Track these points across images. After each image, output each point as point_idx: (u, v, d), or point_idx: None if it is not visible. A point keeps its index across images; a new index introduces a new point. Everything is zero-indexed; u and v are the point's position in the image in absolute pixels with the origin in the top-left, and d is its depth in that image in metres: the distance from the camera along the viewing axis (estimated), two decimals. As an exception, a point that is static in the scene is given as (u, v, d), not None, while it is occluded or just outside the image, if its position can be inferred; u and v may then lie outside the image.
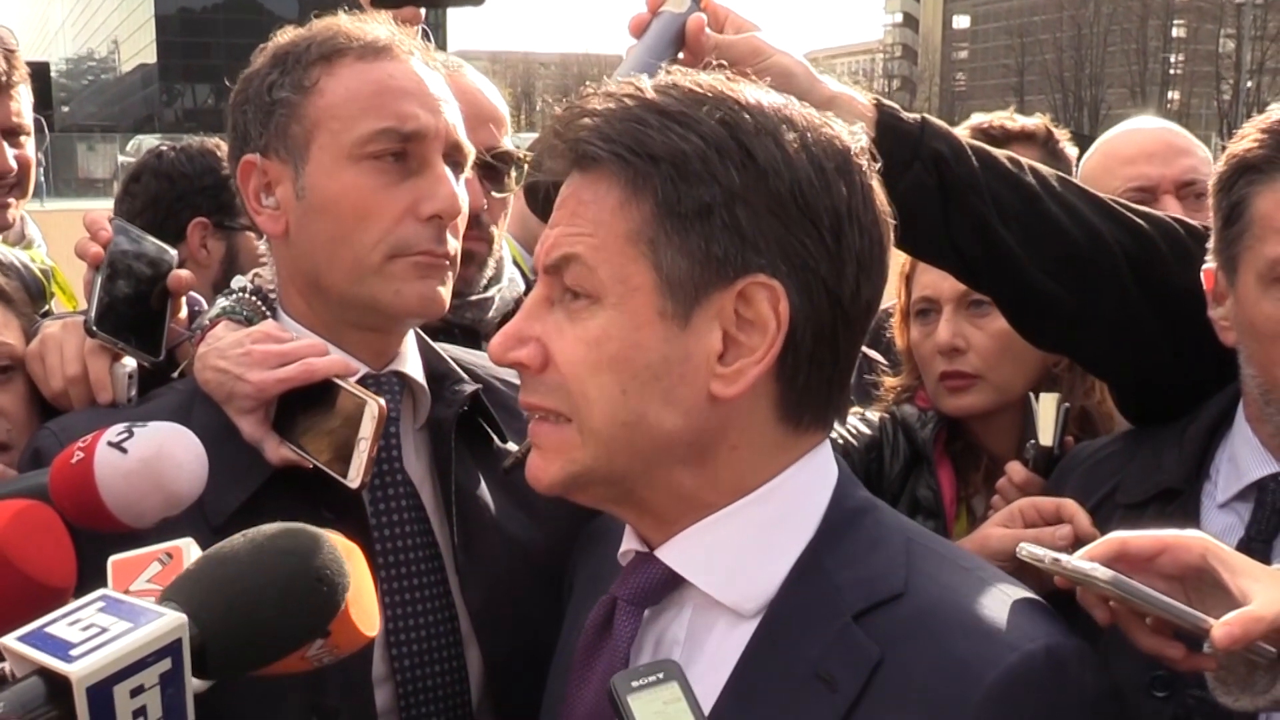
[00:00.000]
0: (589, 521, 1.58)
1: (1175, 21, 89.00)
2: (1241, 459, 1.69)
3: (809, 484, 1.30)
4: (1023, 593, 1.27)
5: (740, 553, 1.26)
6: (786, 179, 1.19)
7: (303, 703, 1.51)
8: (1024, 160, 1.74)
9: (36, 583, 1.24)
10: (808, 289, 1.20)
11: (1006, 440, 2.24)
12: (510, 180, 2.22)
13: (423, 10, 2.21)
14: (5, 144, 2.70)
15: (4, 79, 2.69)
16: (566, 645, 1.48)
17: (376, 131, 1.59)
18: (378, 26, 1.68)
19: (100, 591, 1.02)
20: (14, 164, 2.72)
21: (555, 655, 1.50)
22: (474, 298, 2.23)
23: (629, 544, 1.35)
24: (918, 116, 1.71)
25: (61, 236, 3.25)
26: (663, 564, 1.29)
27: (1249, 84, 72.61)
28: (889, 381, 2.43)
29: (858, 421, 2.34)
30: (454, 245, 1.65)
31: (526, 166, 2.22)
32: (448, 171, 1.63)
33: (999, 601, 1.22)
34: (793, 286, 1.20)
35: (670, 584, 1.29)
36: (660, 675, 1.09)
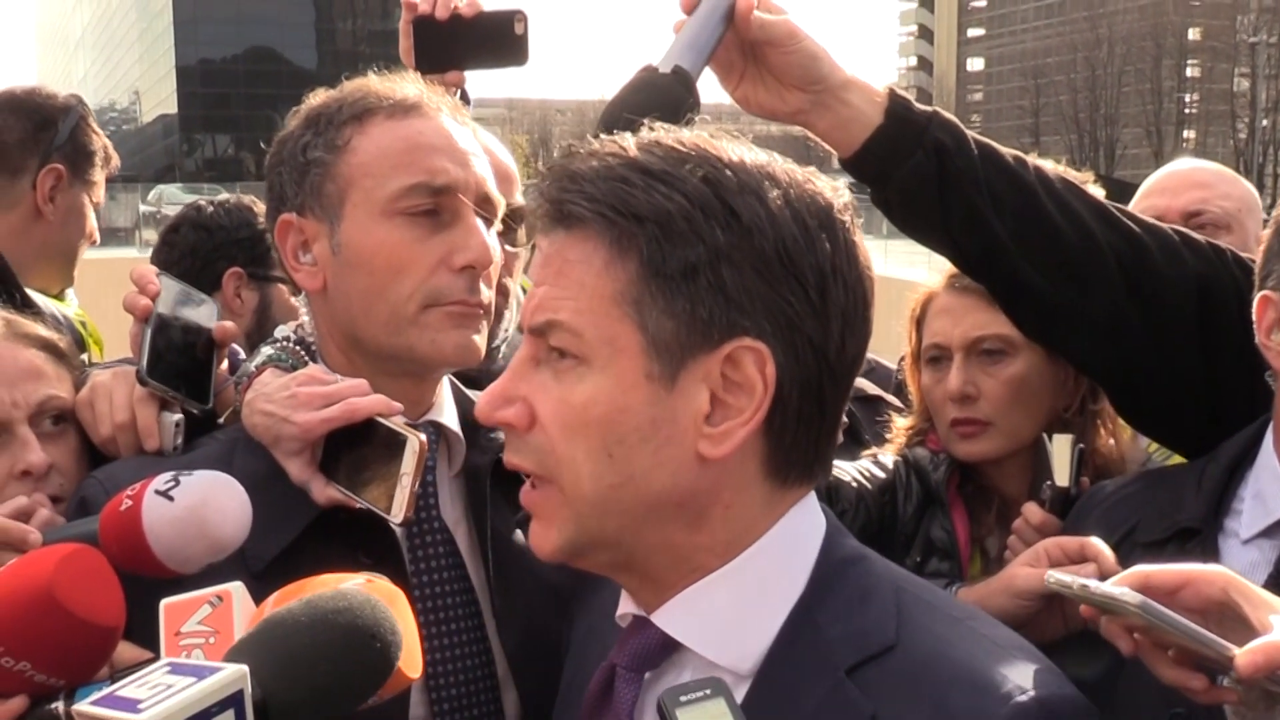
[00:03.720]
0: None
1: (1189, 61, 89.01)
2: (1269, 495, 1.69)
3: (798, 537, 1.29)
4: (1016, 643, 1.26)
5: (734, 613, 1.25)
6: (771, 237, 1.19)
7: None
8: (1030, 159, 1.81)
9: (85, 622, 1.28)
10: (794, 348, 1.20)
11: (1018, 482, 2.27)
12: (522, 235, 2.27)
13: (465, 73, 2.27)
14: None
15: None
16: (564, 701, 1.49)
17: (408, 187, 1.64)
18: (407, 85, 1.73)
19: (166, 658, 1.08)
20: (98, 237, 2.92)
21: (555, 708, 1.52)
22: None
23: (625, 607, 1.34)
24: (931, 109, 1.76)
25: (83, 285, 3.35)
26: (658, 629, 1.28)
27: (1264, 122, 72.47)
28: (900, 424, 2.47)
29: (871, 464, 2.37)
30: (487, 295, 1.69)
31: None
32: (479, 223, 1.67)
33: (991, 653, 1.21)
34: (779, 346, 1.19)
35: (668, 648, 1.28)
36: (708, 691, 1.10)
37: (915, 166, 1.71)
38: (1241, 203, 2.96)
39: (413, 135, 1.67)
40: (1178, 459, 2.22)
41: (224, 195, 3.32)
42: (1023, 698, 1.15)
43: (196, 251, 3.08)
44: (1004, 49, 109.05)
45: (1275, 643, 1.23)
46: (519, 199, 2.28)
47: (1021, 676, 1.18)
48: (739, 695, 1.22)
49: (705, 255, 1.18)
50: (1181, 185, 2.94)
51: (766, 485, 1.26)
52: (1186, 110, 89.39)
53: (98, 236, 3.10)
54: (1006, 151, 1.79)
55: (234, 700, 0.98)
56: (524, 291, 2.44)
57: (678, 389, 1.20)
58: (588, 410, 1.21)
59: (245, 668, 1.00)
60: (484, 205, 1.70)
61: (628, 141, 1.24)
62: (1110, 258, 1.76)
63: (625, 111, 1.59)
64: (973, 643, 1.23)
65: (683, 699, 1.09)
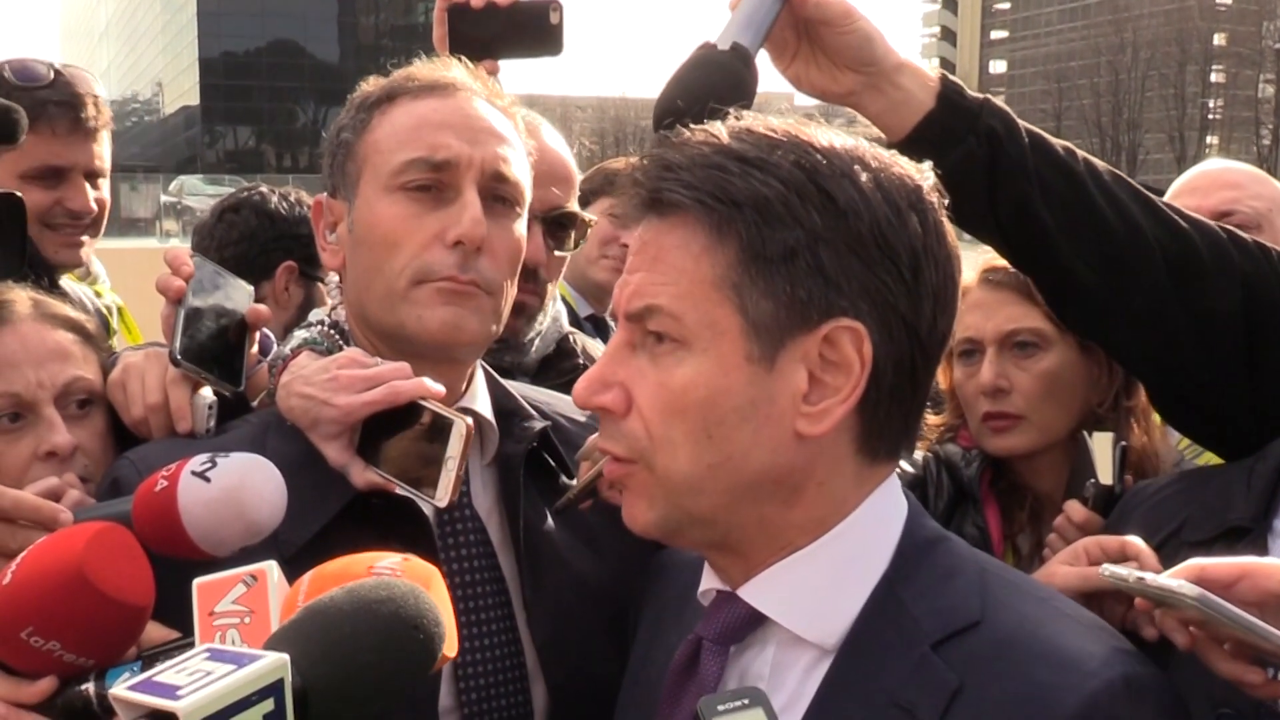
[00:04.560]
0: (651, 556, 1.60)
1: (1214, 67, 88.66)
2: None
3: (883, 517, 1.31)
4: (1099, 623, 1.29)
5: (820, 588, 1.28)
6: (866, 219, 1.21)
7: None
8: (1079, 151, 1.79)
9: (115, 601, 1.28)
10: (888, 327, 1.23)
11: (1051, 479, 2.26)
12: (570, 240, 2.26)
13: (499, 62, 2.27)
14: (87, 185, 2.81)
15: (93, 123, 2.81)
16: (636, 681, 1.50)
17: (407, 162, 1.63)
18: (451, 69, 1.73)
19: (205, 644, 1.07)
20: (94, 205, 2.83)
21: (623, 689, 1.52)
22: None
23: (709, 583, 1.36)
24: (983, 96, 1.76)
25: (105, 273, 3.37)
26: (746, 603, 1.30)
27: (1288, 129, 72.13)
28: (931, 420, 2.46)
29: (900, 460, 2.36)
30: (487, 274, 1.65)
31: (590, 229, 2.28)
32: (476, 199, 1.63)
33: (1076, 630, 1.24)
34: (874, 326, 1.22)
35: (754, 622, 1.31)
36: (746, 701, 1.11)
37: (966, 153, 1.70)
38: (1272, 203, 2.96)
39: (426, 113, 1.67)
40: (1208, 457, 2.21)
41: (287, 188, 3.29)
42: (1110, 674, 1.16)
43: (255, 237, 3.08)
44: (1027, 52, 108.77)
45: None
46: (574, 206, 2.27)
47: (1107, 653, 1.20)
48: (823, 670, 1.26)
49: (803, 238, 1.20)
50: (1213, 185, 2.94)
51: (857, 461, 1.28)
52: (1210, 116, 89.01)
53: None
54: (1056, 142, 1.78)
55: (274, 689, 0.97)
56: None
57: (777, 369, 1.22)
58: (688, 393, 1.23)
59: (286, 656, 0.98)
60: (497, 185, 1.67)
61: (719, 129, 1.26)
62: (1156, 252, 1.75)
63: (686, 89, 1.59)
64: (1058, 621, 1.25)
65: (720, 707, 1.11)
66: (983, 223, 1.77)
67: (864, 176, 1.23)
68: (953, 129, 1.70)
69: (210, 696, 0.94)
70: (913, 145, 1.73)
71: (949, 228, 1.30)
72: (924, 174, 1.30)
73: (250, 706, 0.96)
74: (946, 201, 1.30)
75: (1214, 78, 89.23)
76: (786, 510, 1.27)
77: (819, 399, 1.23)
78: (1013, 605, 1.26)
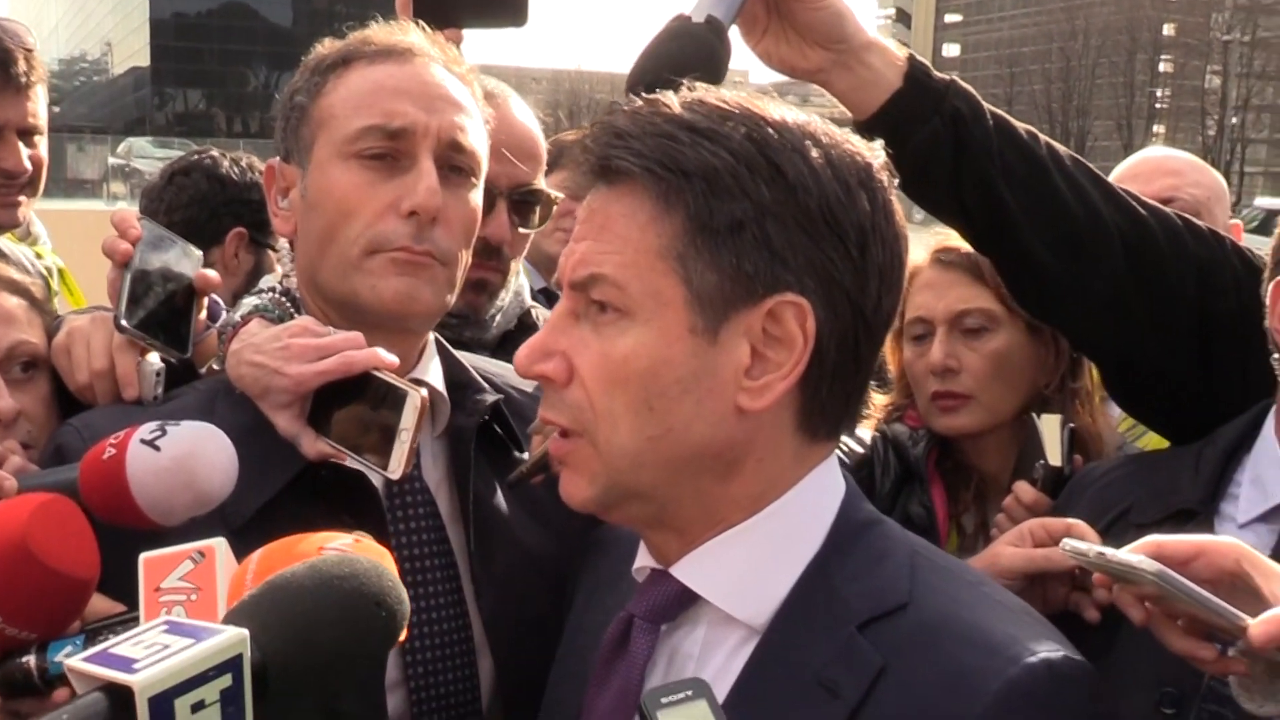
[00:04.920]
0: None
1: (1163, 57, 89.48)
2: (1269, 480, 1.70)
3: (820, 496, 1.31)
4: (1025, 608, 1.29)
5: (752, 567, 1.28)
6: (815, 194, 1.21)
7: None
8: (1042, 136, 1.82)
9: (60, 574, 1.26)
10: (833, 303, 1.23)
11: (997, 459, 2.29)
12: (536, 217, 2.24)
13: (463, 31, 2.24)
14: (20, 144, 2.74)
15: (24, 79, 2.73)
16: (569, 652, 1.50)
17: (362, 129, 1.61)
18: (410, 33, 1.71)
19: (164, 617, 1.05)
20: (29, 164, 2.76)
21: (556, 661, 1.52)
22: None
23: (643, 560, 1.36)
24: (949, 77, 1.77)
25: (50, 235, 3.31)
26: (678, 581, 1.30)
27: (1234, 120, 73.11)
28: (878, 400, 2.48)
29: (848, 438, 2.38)
30: (442, 244, 1.63)
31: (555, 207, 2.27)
32: (431, 169, 1.61)
33: (1003, 616, 1.24)
34: (819, 302, 1.22)
35: (685, 601, 1.30)
36: (689, 693, 1.09)
37: (931, 133, 1.71)
38: (1210, 191, 3.03)
39: (381, 79, 1.64)
40: (1150, 439, 2.26)
41: (238, 153, 3.24)
42: (1032, 659, 1.16)
43: (206, 201, 3.03)
44: (980, 36, 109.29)
45: None
46: (540, 182, 2.25)
47: (1032, 639, 1.20)
48: (749, 649, 1.26)
49: (751, 211, 1.19)
50: (1154, 172, 3.00)
51: (797, 438, 1.28)
52: (1157, 105, 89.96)
53: None
54: (1020, 126, 1.79)
55: (232, 664, 0.96)
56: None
57: (720, 342, 1.22)
58: (629, 363, 1.22)
59: (245, 631, 0.97)
60: (454, 154, 1.65)
61: (671, 99, 1.25)
62: (1115, 236, 1.77)
63: (659, 60, 1.59)
64: (985, 606, 1.26)
65: (664, 700, 1.09)
66: (946, 204, 1.78)
67: (815, 152, 1.23)
68: (919, 109, 1.71)
69: (167, 670, 0.93)
70: (879, 124, 1.74)
71: (898, 207, 1.29)
72: (874, 152, 1.29)
73: (208, 681, 0.95)
74: (896, 181, 1.30)
75: (1162, 67, 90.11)
76: (724, 485, 1.27)
77: (761, 374, 1.23)
78: (942, 589, 1.26)
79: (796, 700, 1.21)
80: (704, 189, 1.20)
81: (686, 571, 1.29)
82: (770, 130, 1.23)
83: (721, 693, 1.22)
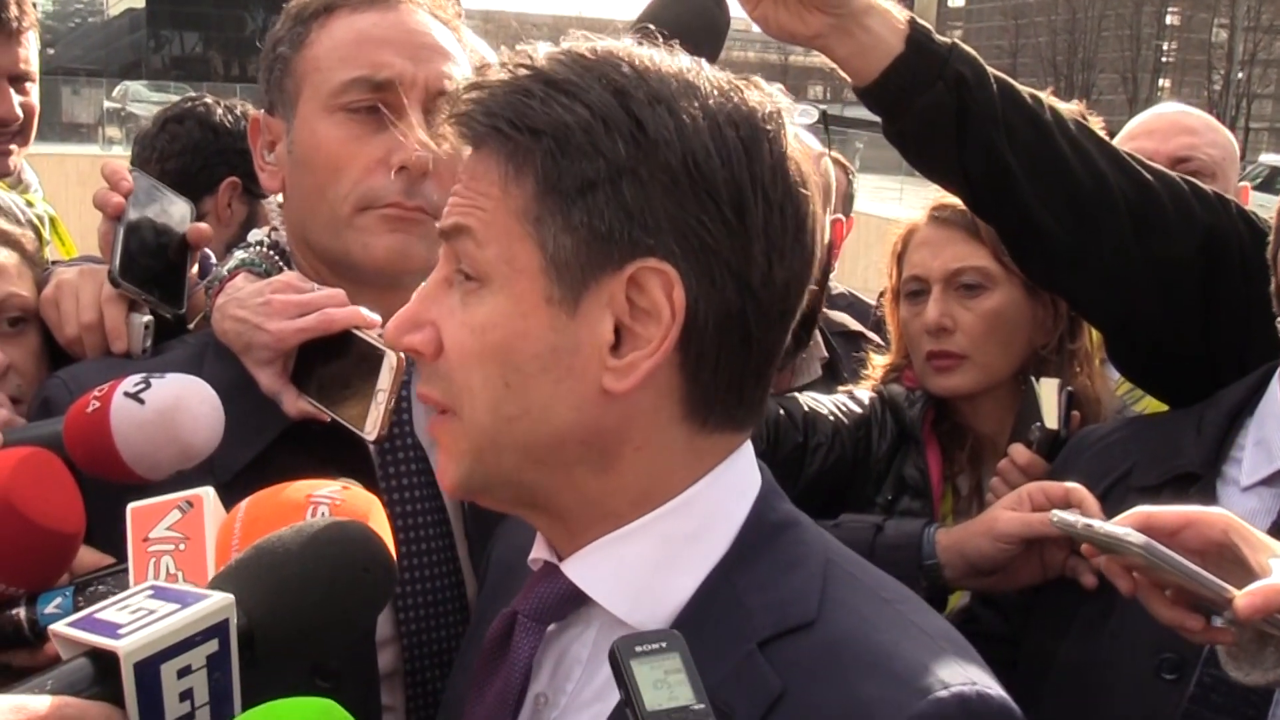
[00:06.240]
0: None
1: (1170, 9, 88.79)
2: (1274, 442, 1.68)
3: (726, 495, 1.20)
4: (945, 633, 1.17)
5: (649, 570, 1.17)
6: (679, 150, 1.09)
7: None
8: (1045, 99, 1.79)
9: (44, 529, 1.26)
10: (709, 272, 1.11)
11: (992, 421, 2.27)
12: None
13: None
14: (12, 90, 2.71)
15: (15, 24, 2.69)
16: (469, 642, 1.44)
17: (348, 81, 1.58)
18: None
19: (150, 581, 1.04)
20: (20, 111, 2.73)
21: (459, 652, 1.48)
22: None
23: (539, 551, 1.25)
24: (951, 40, 1.74)
25: (45, 180, 3.26)
26: (568, 579, 1.19)
27: (1240, 75, 72.61)
28: (877, 361, 2.47)
29: (847, 399, 2.36)
30: (434, 199, 1.59)
31: None
32: (421, 121, 1.58)
33: (916, 640, 1.12)
34: (690, 270, 1.10)
35: (575, 600, 1.20)
36: (664, 644, 1.03)
37: (935, 98, 1.68)
38: (1225, 151, 3.00)
39: (366, 28, 1.61)
40: (1147, 402, 2.24)
41: (233, 100, 3.20)
42: (943, 693, 1.05)
43: (199, 149, 3.00)
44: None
45: (1275, 585, 1.25)
46: None
47: (944, 669, 1.08)
48: None
49: (605, 170, 1.09)
50: (1171, 129, 2.96)
51: (685, 428, 1.16)
52: (1164, 59, 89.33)
53: None
54: (1024, 90, 1.77)
55: (219, 629, 0.95)
56: None
57: (580, 314, 1.11)
58: (485, 334, 1.13)
59: (232, 597, 0.96)
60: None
61: (539, 51, 1.16)
62: (1120, 200, 1.75)
63: (658, 23, 1.55)
64: (898, 628, 1.14)
65: (638, 649, 1.02)
66: (949, 169, 1.76)
67: (689, 104, 1.11)
68: (921, 74, 1.68)
69: (152, 635, 0.92)
70: (880, 90, 1.71)
71: (797, 167, 1.16)
72: (769, 100, 1.17)
73: (194, 647, 0.94)
74: (794, 133, 1.19)
75: (1169, 20, 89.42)
76: (601, 477, 1.16)
77: (627, 351, 1.12)
78: (852, 606, 1.15)
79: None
80: (553, 148, 1.10)
81: (576, 569, 1.19)
82: (640, 80, 1.12)
83: (610, 706, 1.14)
